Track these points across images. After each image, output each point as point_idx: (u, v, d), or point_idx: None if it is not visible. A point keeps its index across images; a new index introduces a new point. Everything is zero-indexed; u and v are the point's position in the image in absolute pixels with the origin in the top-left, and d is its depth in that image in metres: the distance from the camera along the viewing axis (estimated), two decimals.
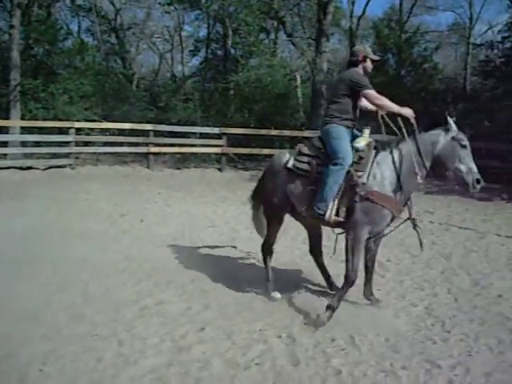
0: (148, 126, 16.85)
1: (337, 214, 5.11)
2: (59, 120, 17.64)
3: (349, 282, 5.10)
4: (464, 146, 5.08)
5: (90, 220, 9.25)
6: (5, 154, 16.12)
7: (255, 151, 17.99)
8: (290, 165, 5.47)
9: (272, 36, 26.53)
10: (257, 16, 20.72)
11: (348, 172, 5.05)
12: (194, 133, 19.39)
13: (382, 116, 5.44)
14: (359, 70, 5.52)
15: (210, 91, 24.56)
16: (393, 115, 5.36)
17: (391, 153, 5.17)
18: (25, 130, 17.47)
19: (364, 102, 5.56)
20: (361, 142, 5.21)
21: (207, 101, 22.79)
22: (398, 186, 5.04)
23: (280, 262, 6.73)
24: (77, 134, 16.57)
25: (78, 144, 16.77)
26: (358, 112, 5.58)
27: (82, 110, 18.92)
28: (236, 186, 14.30)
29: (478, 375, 4.19)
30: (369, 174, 5.07)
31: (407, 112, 5.30)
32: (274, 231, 5.94)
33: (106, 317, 5.06)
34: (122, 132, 17.97)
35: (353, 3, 25.15)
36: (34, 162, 15.92)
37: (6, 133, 16.79)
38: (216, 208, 10.93)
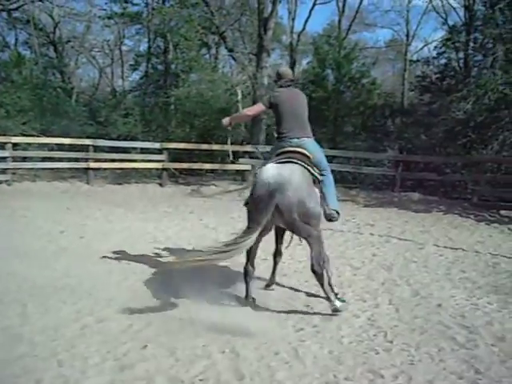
0: (87, 141, 16.59)
1: None
2: None
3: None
4: None
5: (27, 237, 9.01)
6: None
7: (196, 166, 17.93)
8: None
9: (213, 51, 26.61)
10: (198, 31, 20.74)
11: None
12: (135, 148, 19.20)
13: None
14: None
15: (150, 106, 24.34)
16: None
17: None
18: None
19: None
20: None
21: (148, 115, 22.56)
22: None
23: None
24: (14, 149, 16.16)
25: (15, 159, 16.36)
26: None
27: (19, 125, 18.40)
28: (177, 201, 14.23)
29: (420, 383, 4.28)
30: None
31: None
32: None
33: (45, 337, 4.93)
34: (60, 147, 17.58)
35: (293, 19, 25.50)
36: None
37: None
38: (157, 224, 10.83)
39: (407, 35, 30.02)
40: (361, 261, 7.44)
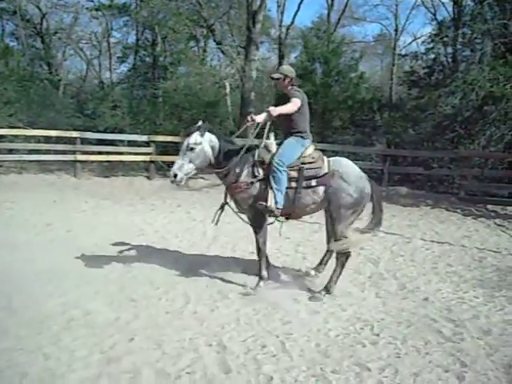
0: (75, 134, 16.45)
1: None
2: None
3: None
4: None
5: (14, 230, 8.95)
6: None
7: None
8: None
9: (201, 44, 26.49)
10: (186, 24, 20.63)
11: None
12: (122, 140, 19.06)
13: None
14: None
15: (138, 98, 24.20)
16: None
17: None
18: None
19: None
20: None
21: (136, 108, 22.42)
22: None
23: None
24: (0, 142, 16.03)
25: (1, 152, 16.24)
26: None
27: (5, 117, 18.22)
28: (165, 194, 14.17)
29: (406, 376, 4.31)
30: None
31: None
32: None
33: (31, 330, 4.91)
34: (47, 139, 17.43)
35: (282, 13, 25.41)
36: None
37: None
38: (145, 216, 10.80)
39: (396, 30, 30.09)
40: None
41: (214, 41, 23.19)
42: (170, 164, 17.94)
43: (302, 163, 6.13)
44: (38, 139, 17.85)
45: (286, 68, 6.43)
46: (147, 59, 25.33)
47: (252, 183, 6.09)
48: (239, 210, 6.53)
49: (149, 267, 7.04)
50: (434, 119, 16.98)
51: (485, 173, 14.76)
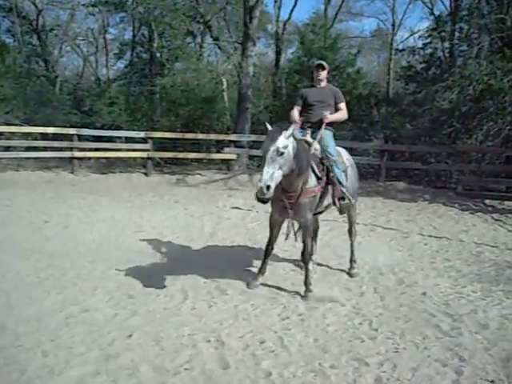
0: (72, 131, 16.42)
1: None
2: None
3: None
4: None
5: (11, 227, 8.95)
6: None
7: (181, 155, 17.80)
8: None
9: (198, 40, 26.41)
10: (183, 20, 20.58)
11: None
12: (120, 137, 19.02)
13: None
14: None
15: (135, 95, 24.15)
16: None
17: None
18: None
19: None
20: None
21: (133, 105, 22.39)
22: None
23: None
24: None
25: None
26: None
27: (2, 114, 18.19)
28: (162, 190, 14.16)
29: (404, 370, 4.31)
30: None
31: None
32: None
33: (29, 327, 4.91)
34: (45, 136, 17.45)
35: (279, 8, 25.40)
36: None
37: None
38: (142, 213, 10.78)
39: (393, 25, 30.14)
40: (346, 249, 7.44)
41: (211, 37, 23.15)
42: (168, 160, 18.00)
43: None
44: (35, 136, 17.84)
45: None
46: (144, 55, 25.25)
47: (327, 184, 6.03)
48: (297, 216, 5.87)
49: (146, 263, 7.04)
50: (432, 114, 16.99)
51: (482, 167, 14.77)
